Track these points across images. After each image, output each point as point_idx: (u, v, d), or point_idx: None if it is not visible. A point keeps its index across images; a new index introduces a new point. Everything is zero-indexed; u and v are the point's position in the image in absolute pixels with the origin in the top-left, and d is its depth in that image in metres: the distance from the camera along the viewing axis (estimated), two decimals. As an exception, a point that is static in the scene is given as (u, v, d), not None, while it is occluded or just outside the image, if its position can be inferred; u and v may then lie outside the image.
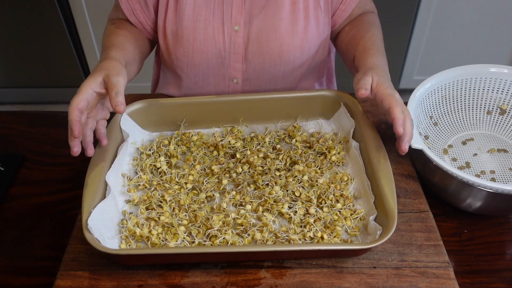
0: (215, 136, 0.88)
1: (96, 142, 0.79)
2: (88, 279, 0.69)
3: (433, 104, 0.92)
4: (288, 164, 0.83)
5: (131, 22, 0.95)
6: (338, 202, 0.76)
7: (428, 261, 0.70)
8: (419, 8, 1.91)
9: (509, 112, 0.93)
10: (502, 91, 0.92)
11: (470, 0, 1.90)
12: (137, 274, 0.69)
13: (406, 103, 0.84)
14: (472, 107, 0.95)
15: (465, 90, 0.94)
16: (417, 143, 0.76)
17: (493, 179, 0.86)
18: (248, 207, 0.76)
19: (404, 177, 0.83)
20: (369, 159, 0.78)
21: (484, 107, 0.95)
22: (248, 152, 0.84)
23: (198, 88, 1.00)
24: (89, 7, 1.95)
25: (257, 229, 0.73)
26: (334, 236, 0.72)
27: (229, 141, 0.87)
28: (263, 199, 0.76)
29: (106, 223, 0.71)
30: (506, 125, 0.93)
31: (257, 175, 0.80)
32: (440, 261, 0.70)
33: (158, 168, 0.83)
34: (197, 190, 0.79)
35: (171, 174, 0.81)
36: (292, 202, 0.76)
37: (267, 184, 0.79)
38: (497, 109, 0.94)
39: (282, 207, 0.75)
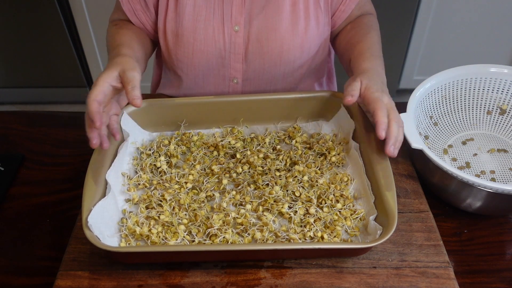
0: (215, 137, 0.88)
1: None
2: (88, 279, 0.69)
3: (433, 104, 0.92)
4: (288, 164, 0.83)
5: (133, 22, 0.95)
6: (338, 202, 0.76)
7: (428, 261, 0.70)
8: (419, 8, 1.91)
9: (509, 112, 0.93)
10: (502, 91, 0.92)
11: (470, 0, 1.90)
12: (137, 274, 0.70)
13: (406, 103, 0.84)
14: (472, 107, 0.95)
15: (465, 90, 0.94)
16: (417, 143, 0.76)
17: (493, 179, 0.86)
18: (248, 206, 0.76)
19: (404, 177, 0.83)
20: (369, 159, 0.78)
21: (484, 107, 0.95)
22: (248, 153, 0.84)
23: (198, 88, 1.01)
24: (89, 7, 1.95)
25: (257, 229, 0.73)
26: (334, 236, 0.72)
27: (229, 142, 0.87)
28: (263, 199, 0.77)
29: (106, 221, 0.71)
30: (506, 125, 0.93)
31: (257, 175, 0.81)
32: (440, 261, 0.70)
33: (158, 168, 0.83)
34: (197, 190, 0.79)
35: (171, 173, 0.81)
36: (292, 202, 0.76)
37: (267, 184, 0.79)
38: (497, 109, 0.94)
39: (282, 207, 0.75)
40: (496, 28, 1.99)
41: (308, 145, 0.87)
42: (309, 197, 0.77)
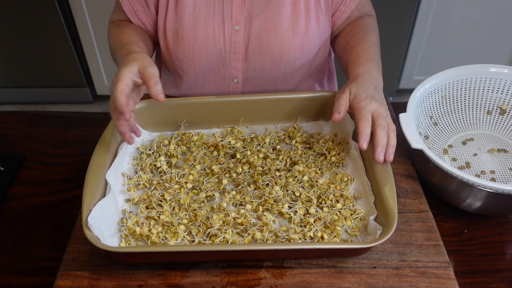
0: (215, 137, 0.88)
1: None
2: (88, 279, 0.69)
3: (433, 104, 0.92)
4: (288, 164, 0.83)
5: (133, 23, 0.95)
6: (338, 202, 0.76)
7: (428, 261, 0.70)
8: (419, 8, 1.91)
9: (509, 112, 0.93)
10: (502, 91, 0.92)
11: (470, 0, 1.90)
12: (137, 274, 0.70)
13: (406, 103, 0.84)
14: (472, 107, 0.95)
15: (465, 90, 0.94)
16: (417, 143, 0.76)
17: (493, 179, 0.86)
18: (248, 206, 0.76)
19: (404, 177, 0.83)
20: (369, 159, 0.78)
21: (484, 107, 0.95)
22: (248, 153, 0.84)
23: (199, 88, 1.00)
24: (89, 7, 1.95)
25: (257, 229, 0.72)
26: (334, 236, 0.72)
27: (229, 142, 0.87)
28: (263, 199, 0.76)
29: (106, 221, 0.71)
30: (506, 125, 0.93)
31: (257, 175, 0.81)
32: (440, 261, 0.70)
33: (158, 168, 0.83)
34: (197, 190, 0.79)
35: (171, 173, 0.81)
36: (292, 202, 0.76)
37: (267, 184, 0.79)
38: (497, 109, 0.94)
39: (282, 207, 0.75)
40: (496, 28, 1.99)
41: (308, 145, 0.87)
42: (309, 197, 0.77)
